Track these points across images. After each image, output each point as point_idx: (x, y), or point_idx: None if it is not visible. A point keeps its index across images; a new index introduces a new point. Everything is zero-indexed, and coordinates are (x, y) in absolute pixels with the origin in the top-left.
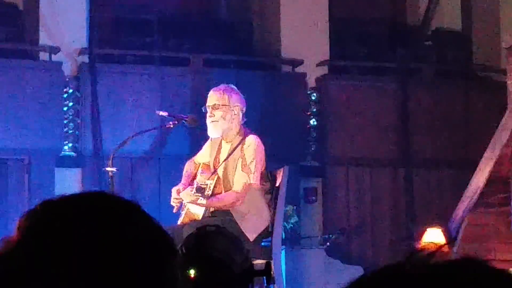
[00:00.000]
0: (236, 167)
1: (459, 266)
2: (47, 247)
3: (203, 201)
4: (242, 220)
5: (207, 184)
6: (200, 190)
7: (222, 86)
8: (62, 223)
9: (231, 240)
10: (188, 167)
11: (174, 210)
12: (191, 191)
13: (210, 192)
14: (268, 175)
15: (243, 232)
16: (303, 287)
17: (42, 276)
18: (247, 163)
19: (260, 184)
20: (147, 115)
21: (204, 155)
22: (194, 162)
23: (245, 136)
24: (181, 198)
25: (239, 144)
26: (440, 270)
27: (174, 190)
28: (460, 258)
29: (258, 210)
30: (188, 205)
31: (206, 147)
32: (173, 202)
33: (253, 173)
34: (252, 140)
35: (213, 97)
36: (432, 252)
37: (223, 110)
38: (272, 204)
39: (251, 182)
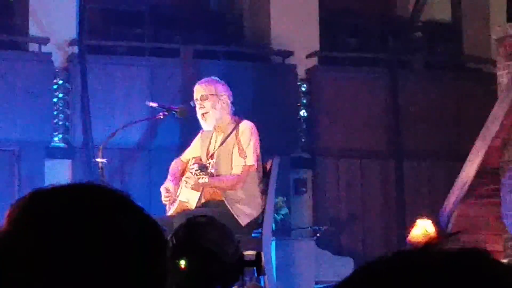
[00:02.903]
0: (231, 154)
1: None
2: (37, 237)
3: (205, 179)
4: (235, 206)
5: (209, 163)
6: (203, 168)
7: (206, 78)
8: (51, 213)
9: (221, 231)
10: (174, 166)
11: (167, 208)
12: (191, 173)
13: (213, 170)
14: (261, 164)
15: (235, 220)
16: (293, 278)
17: (31, 266)
18: (244, 148)
19: (257, 166)
20: (137, 106)
21: (193, 150)
22: (181, 160)
23: (238, 123)
24: (171, 195)
25: (233, 131)
26: (451, 260)
27: (163, 189)
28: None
29: (252, 197)
30: (181, 195)
31: (196, 142)
32: (165, 200)
33: (251, 156)
34: (247, 125)
35: (199, 89)
36: (443, 241)
37: (212, 100)
38: (263, 194)
39: (249, 164)
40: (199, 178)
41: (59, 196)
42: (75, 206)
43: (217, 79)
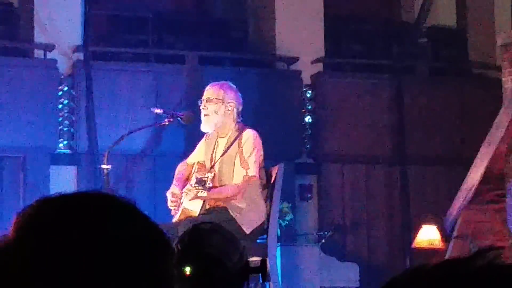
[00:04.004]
0: (234, 163)
1: None
2: (43, 245)
3: (203, 193)
4: (239, 214)
5: (207, 177)
6: (201, 182)
7: (220, 82)
8: (58, 222)
9: (226, 237)
10: (180, 169)
11: (172, 213)
12: (191, 185)
13: (211, 184)
14: (264, 171)
15: (239, 227)
16: (298, 284)
17: (38, 274)
18: (246, 158)
19: (259, 176)
20: (142, 113)
21: (198, 154)
22: (187, 164)
23: (241, 131)
24: (177, 200)
25: (235, 139)
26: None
27: (169, 193)
28: None
29: (256, 205)
30: (184, 202)
31: (200, 146)
32: (171, 205)
33: (252, 166)
34: (250, 134)
35: (209, 91)
36: (498, 253)
37: (216, 104)
38: (268, 200)
39: (251, 175)
40: (197, 192)
41: (66, 205)
42: (82, 215)
43: (231, 85)
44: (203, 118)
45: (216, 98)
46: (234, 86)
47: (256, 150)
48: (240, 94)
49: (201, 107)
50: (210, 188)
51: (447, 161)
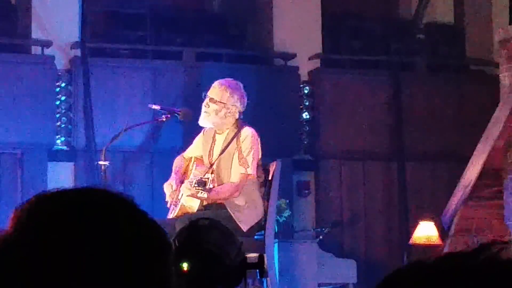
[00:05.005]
0: (232, 161)
1: None
2: (41, 241)
3: (204, 194)
4: (236, 212)
5: (208, 178)
6: (202, 183)
7: (228, 82)
8: (55, 218)
9: (224, 233)
10: (178, 163)
11: (170, 208)
12: (191, 184)
13: (211, 186)
14: (262, 169)
15: (236, 224)
16: (295, 281)
17: (34, 270)
18: (244, 156)
19: (257, 175)
20: (140, 109)
21: (196, 149)
22: (184, 158)
23: (240, 128)
24: (174, 194)
25: (234, 136)
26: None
27: (167, 187)
28: None
29: (253, 203)
30: (183, 198)
31: (198, 140)
32: (169, 198)
33: (251, 165)
34: (248, 132)
35: (215, 89)
36: (502, 247)
37: (218, 106)
38: (266, 197)
39: (249, 173)
40: (197, 192)
41: (63, 200)
42: (79, 211)
43: (237, 87)
44: (202, 113)
45: (219, 101)
46: (241, 87)
47: (254, 149)
48: (245, 96)
49: (203, 104)
50: (210, 189)
51: (445, 157)
